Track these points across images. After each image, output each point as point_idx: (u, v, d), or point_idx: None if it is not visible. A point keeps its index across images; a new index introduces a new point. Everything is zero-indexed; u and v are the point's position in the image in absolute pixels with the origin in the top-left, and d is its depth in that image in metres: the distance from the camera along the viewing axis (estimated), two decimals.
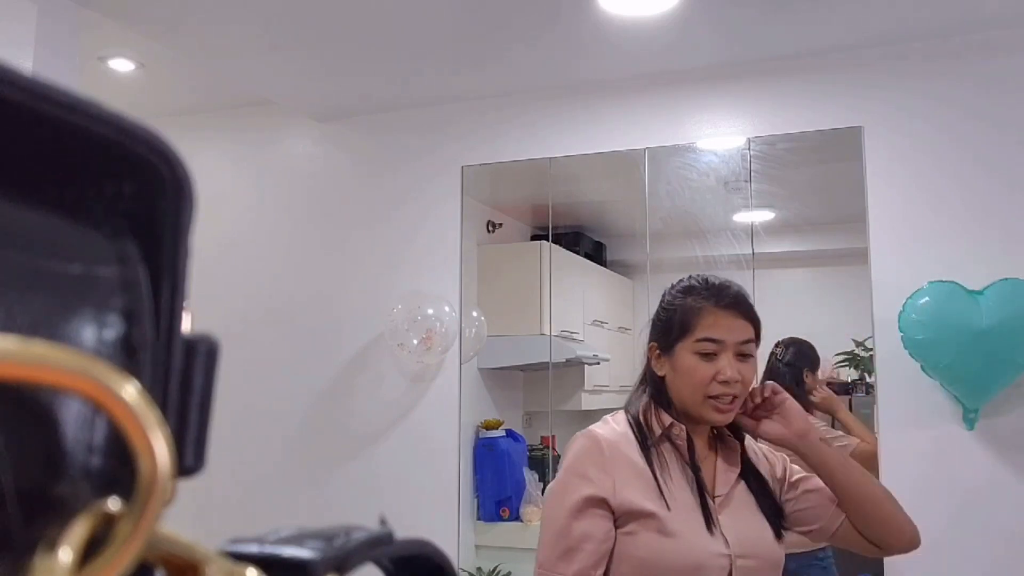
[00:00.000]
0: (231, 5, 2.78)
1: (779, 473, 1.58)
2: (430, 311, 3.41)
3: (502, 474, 3.57)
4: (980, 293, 2.78)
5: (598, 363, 3.84)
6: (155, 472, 0.21)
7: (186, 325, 0.24)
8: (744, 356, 1.48)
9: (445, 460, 3.49)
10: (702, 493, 1.45)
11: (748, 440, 1.58)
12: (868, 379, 3.14)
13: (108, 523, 0.21)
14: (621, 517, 1.42)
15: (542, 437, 3.77)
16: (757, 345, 1.51)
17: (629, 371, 1.62)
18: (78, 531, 0.20)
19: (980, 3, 2.80)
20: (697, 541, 1.41)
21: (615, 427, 1.51)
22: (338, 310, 3.72)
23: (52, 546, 0.20)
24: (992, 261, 2.85)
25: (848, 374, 3.25)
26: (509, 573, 3.46)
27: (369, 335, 3.64)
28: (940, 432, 2.91)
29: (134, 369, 0.22)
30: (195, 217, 0.24)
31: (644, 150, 3.38)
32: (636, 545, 1.41)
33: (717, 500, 1.48)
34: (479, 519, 3.58)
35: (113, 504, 0.21)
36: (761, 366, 3.09)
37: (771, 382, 1.54)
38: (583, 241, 3.95)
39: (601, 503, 1.42)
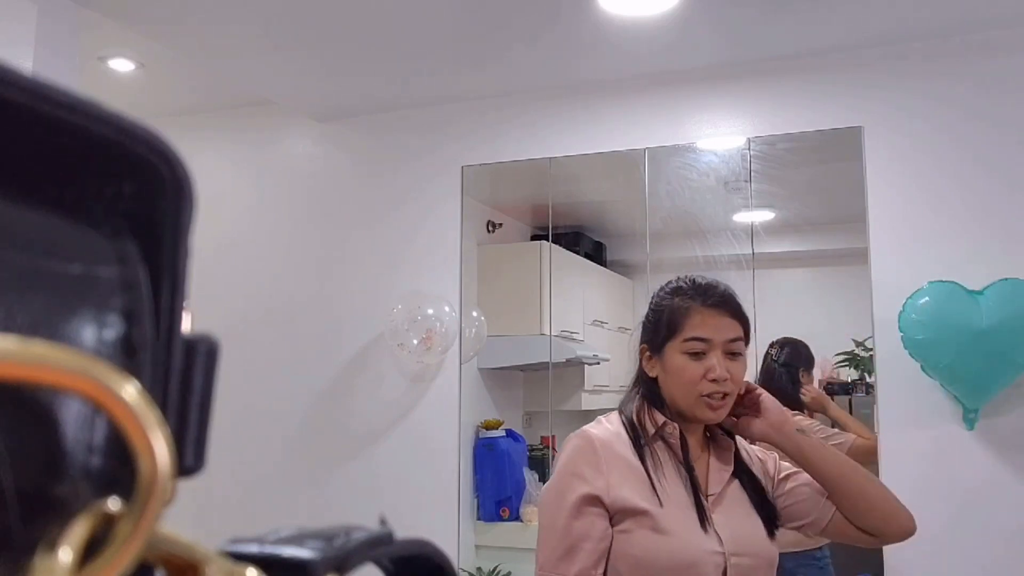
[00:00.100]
0: (231, 5, 2.78)
1: (770, 471, 1.59)
2: (430, 311, 3.41)
3: (502, 474, 3.57)
4: (980, 293, 2.78)
5: (598, 363, 3.84)
6: (155, 472, 0.21)
7: (186, 325, 0.24)
8: (733, 354, 1.49)
9: (445, 460, 3.49)
10: (696, 491, 1.46)
11: (740, 440, 1.59)
12: (868, 379, 3.14)
13: (108, 523, 0.21)
14: (616, 515, 1.43)
15: (542, 437, 3.77)
16: (747, 344, 1.52)
17: (629, 371, 1.62)
18: (78, 531, 0.20)
19: (980, 3, 2.80)
20: (691, 539, 1.42)
21: (608, 427, 1.52)
22: (338, 310, 3.72)
23: (52, 546, 0.20)
24: (992, 261, 2.85)
25: (848, 374, 3.26)
26: (509, 573, 3.46)
27: (369, 335, 3.65)
28: (940, 432, 2.91)
29: (134, 369, 0.22)
30: (195, 217, 0.24)
31: (644, 150, 3.38)
32: (631, 543, 1.41)
33: (710, 499, 1.48)
34: (479, 519, 3.58)
35: (113, 504, 0.21)
36: (756, 366, 3.10)
37: (746, 380, 1.55)
38: (583, 241, 3.95)
39: (597, 501, 1.42)
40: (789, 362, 3.11)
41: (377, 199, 3.74)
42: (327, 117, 3.82)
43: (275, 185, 3.94)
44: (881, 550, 2.90)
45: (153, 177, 0.23)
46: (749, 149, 3.26)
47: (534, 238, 3.88)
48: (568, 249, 3.86)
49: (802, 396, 3.06)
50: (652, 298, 1.58)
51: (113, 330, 0.22)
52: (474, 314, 3.61)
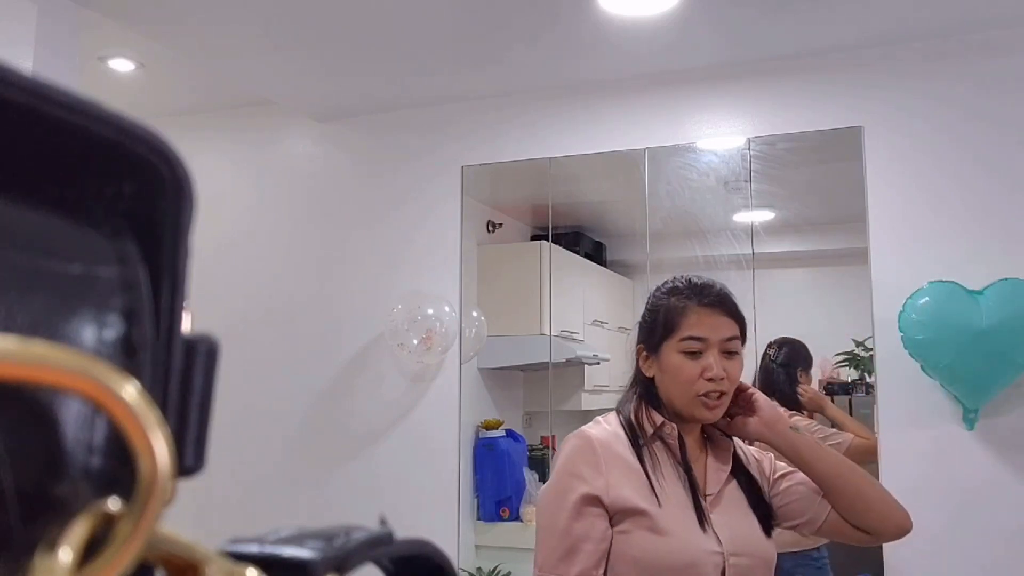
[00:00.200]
0: (231, 5, 2.78)
1: (766, 471, 1.59)
2: (430, 311, 3.41)
3: (502, 474, 3.57)
4: (980, 293, 2.78)
5: (598, 363, 3.84)
6: (155, 472, 0.21)
7: (186, 325, 0.24)
8: (730, 353, 1.49)
9: (445, 460, 3.49)
10: (694, 491, 1.46)
11: (736, 439, 1.59)
12: (868, 379, 3.14)
13: (108, 523, 0.21)
14: (616, 515, 1.43)
15: (542, 437, 3.77)
16: (743, 343, 1.52)
17: (627, 371, 1.62)
18: (78, 531, 0.20)
19: (980, 3, 2.80)
20: (690, 539, 1.42)
21: (607, 427, 1.52)
22: (338, 310, 3.72)
23: (52, 546, 0.20)
24: (992, 261, 2.85)
25: (848, 374, 3.26)
26: (509, 573, 3.46)
27: (369, 335, 3.65)
28: (940, 432, 2.91)
29: (134, 369, 0.22)
30: (195, 217, 0.24)
31: (644, 150, 3.38)
32: (630, 544, 1.41)
33: (709, 499, 1.49)
34: (479, 519, 3.58)
35: (113, 504, 0.21)
36: (754, 366, 3.10)
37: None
38: (583, 241, 3.95)
39: (597, 501, 1.42)
40: (787, 362, 3.11)
41: (377, 199, 3.74)
42: (327, 117, 3.82)
43: (275, 185, 3.94)
44: (881, 550, 2.90)
45: (153, 177, 0.23)
46: (749, 149, 3.26)
47: (534, 238, 3.88)
48: (568, 249, 3.86)
49: (799, 396, 3.07)
50: (648, 298, 1.58)
51: (113, 330, 0.22)
52: (474, 314, 3.61)
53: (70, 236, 0.22)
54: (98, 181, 0.23)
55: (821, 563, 2.87)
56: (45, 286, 0.21)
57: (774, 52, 3.16)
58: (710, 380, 1.46)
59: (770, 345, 3.14)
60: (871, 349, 3.05)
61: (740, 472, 1.55)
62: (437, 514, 3.43)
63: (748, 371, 3.09)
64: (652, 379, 1.53)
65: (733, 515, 1.49)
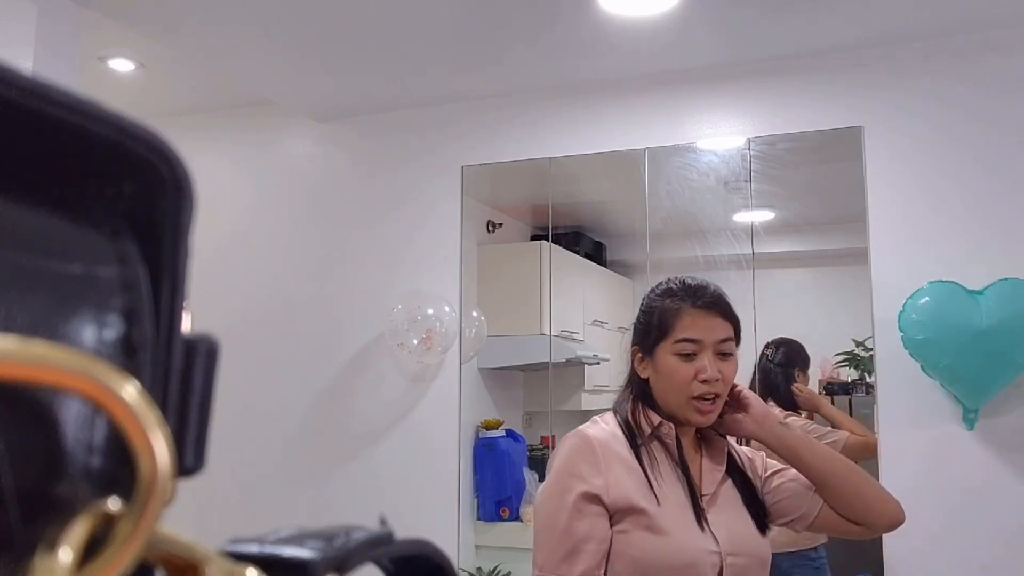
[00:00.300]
0: (231, 5, 2.78)
1: (759, 470, 1.60)
2: (430, 311, 3.41)
3: (502, 474, 3.57)
4: (980, 293, 2.78)
5: (598, 363, 3.84)
6: (155, 472, 0.21)
7: (186, 325, 0.24)
8: (724, 355, 1.49)
9: (445, 460, 3.49)
10: (692, 491, 1.46)
11: (730, 439, 1.59)
12: (868, 379, 3.14)
13: (108, 523, 0.21)
14: (615, 514, 1.43)
15: (542, 437, 3.77)
16: (737, 344, 1.52)
17: (623, 372, 1.63)
18: (78, 531, 0.20)
19: (980, 3, 2.80)
20: (689, 539, 1.42)
21: (604, 427, 1.52)
22: (338, 310, 3.72)
23: (52, 546, 0.20)
24: (992, 261, 2.86)
25: (848, 374, 3.26)
26: (509, 573, 3.46)
27: (369, 335, 3.65)
28: (940, 432, 2.91)
29: (134, 369, 0.22)
30: (195, 217, 0.24)
31: (644, 150, 3.38)
32: (629, 544, 1.41)
33: (705, 499, 1.49)
34: (479, 519, 3.58)
35: (113, 504, 0.21)
36: (752, 367, 3.10)
37: None
38: (583, 241, 3.95)
39: (597, 500, 1.42)
40: (784, 362, 3.12)
41: (377, 199, 3.74)
42: (327, 117, 3.82)
43: (275, 185, 3.94)
44: (881, 550, 2.90)
45: (153, 177, 0.23)
46: (749, 149, 3.26)
47: (534, 238, 3.88)
48: (568, 249, 3.86)
49: (795, 395, 3.07)
50: (643, 300, 1.58)
51: (113, 330, 0.22)
52: (474, 314, 3.61)
53: (70, 236, 0.22)
54: (98, 181, 0.23)
55: (819, 563, 2.87)
56: (45, 286, 0.21)
57: (774, 52, 3.16)
58: (704, 382, 1.46)
59: (767, 345, 3.14)
60: (871, 349, 3.05)
61: (734, 472, 1.56)
62: (437, 514, 3.43)
63: (747, 371, 3.10)
64: (647, 380, 1.53)
65: (729, 515, 1.50)
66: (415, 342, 3.40)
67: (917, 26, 2.96)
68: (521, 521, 3.53)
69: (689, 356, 1.48)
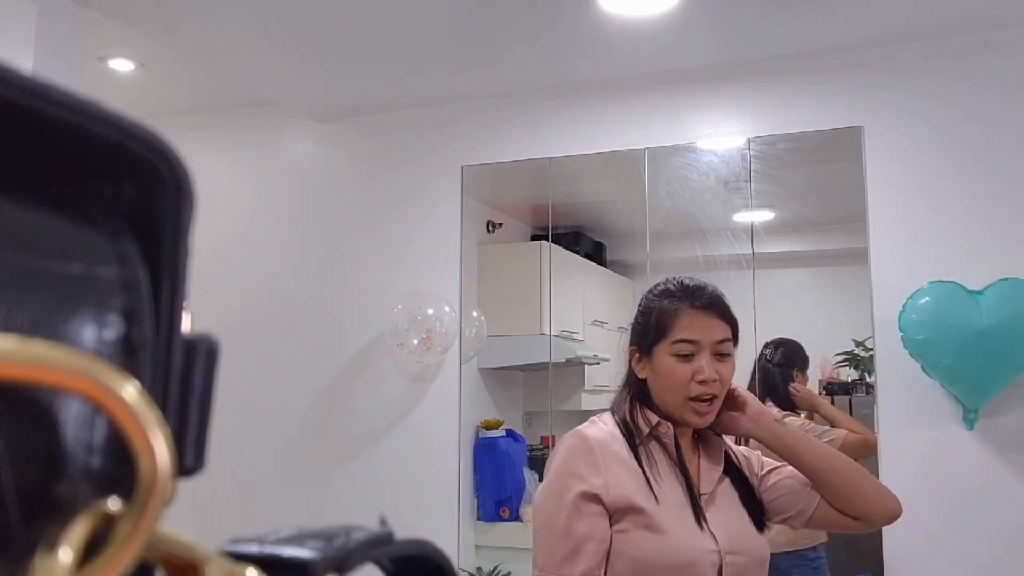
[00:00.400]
0: (231, 5, 2.78)
1: (755, 468, 1.60)
2: (430, 311, 3.41)
3: (502, 474, 3.57)
4: (980, 293, 2.78)
5: (598, 363, 3.84)
6: (155, 472, 0.21)
7: (186, 325, 0.24)
8: (722, 356, 1.49)
9: (445, 460, 3.49)
10: (691, 490, 1.47)
11: (726, 439, 1.60)
12: (868, 379, 3.14)
13: (108, 523, 0.21)
14: (615, 514, 1.43)
15: (542, 437, 3.77)
16: (735, 345, 1.52)
17: (620, 372, 1.63)
18: (78, 531, 0.20)
19: (980, 3, 2.80)
20: (688, 538, 1.42)
21: (603, 426, 1.52)
22: (338, 310, 3.72)
23: (52, 546, 0.20)
24: (992, 261, 2.86)
25: (848, 374, 3.26)
26: (509, 573, 3.46)
27: (369, 335, 3.64)
28: (940, 432, 2.91)
29: (134, 369, 0.22)
30: (195, 217, 0.24)
31: (644, 150, 3.38)
32: (628, 543, 1.41)
33: (703, 498, 1.49)
34: (479, 519, 3.58)
35: (113, 504, 0.21)
36: (750, 367, 3.10)
37: None
38: (583, 241, 3.95)
39: (596, 499, 1.42)
40: (783, 362, 3.12)
41: (377, 199, 3.74)
42: (327, 117, 3.82)
43: (275, 185, 3.94)
44: (880, 550, 2.90)
45: (153, 177, 0.23)
46: (749, 149, 3.26)
47: (534, 238, 3.88)
48: (568, 249, 3.86)
49: (792, 395, 3.07)
50: (641, 300, 1.59)
51: (113, 330, 0.22)
52: (474, 314, 3.61)
53: (70, 236, 0.22)
54: (98, 181, 0.23)
55: (818, 563, 2.87)
56: (45, 286, 0.21)
57: (774, 52, 3.16)
58: (702, 383, 1.46)
59: (766, 345, 3.14)
60: (871, 349, 3.05)
61: (732, 471, 1.56)
62: (437, 514, 3.43)
63: (746, 371, 3.10)
64: (645, 380, 1.53)
65: (728, 514, 1.50)
66: (415, 342, 3.40)
67: (917, 26, 2.96)
68: (521, 521, 3.53)
69: (687, 357, 1.48)
